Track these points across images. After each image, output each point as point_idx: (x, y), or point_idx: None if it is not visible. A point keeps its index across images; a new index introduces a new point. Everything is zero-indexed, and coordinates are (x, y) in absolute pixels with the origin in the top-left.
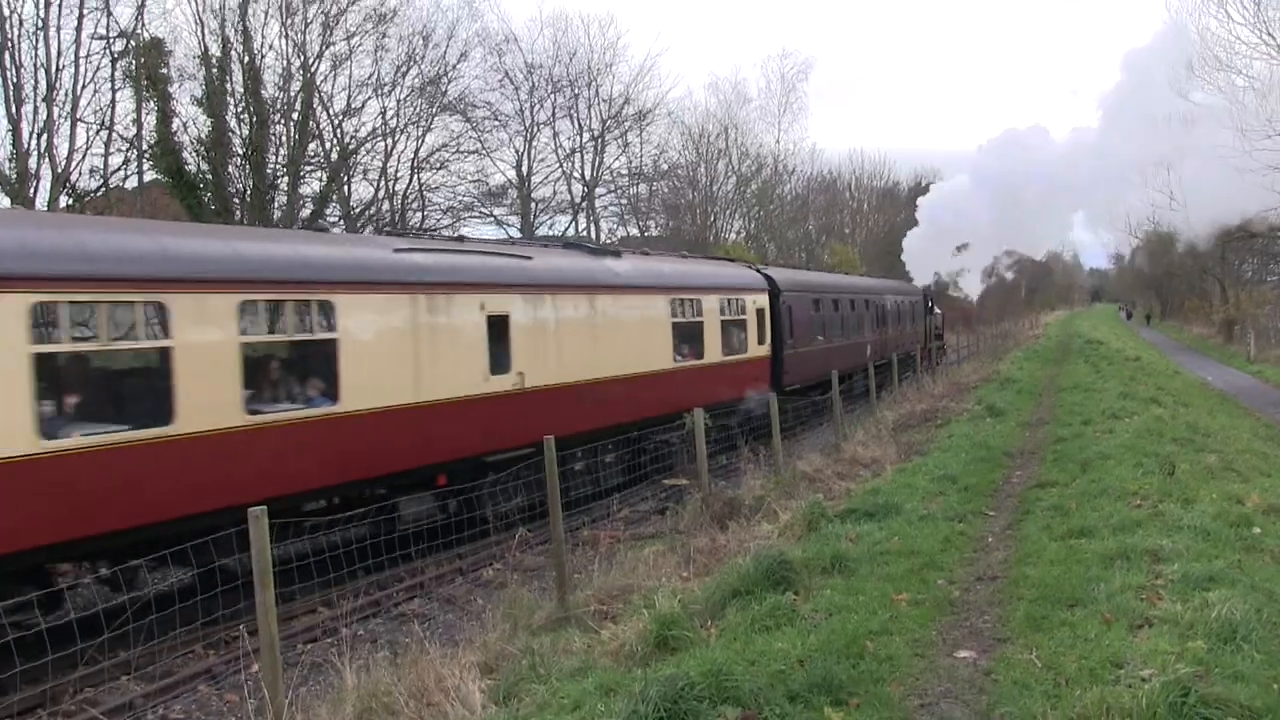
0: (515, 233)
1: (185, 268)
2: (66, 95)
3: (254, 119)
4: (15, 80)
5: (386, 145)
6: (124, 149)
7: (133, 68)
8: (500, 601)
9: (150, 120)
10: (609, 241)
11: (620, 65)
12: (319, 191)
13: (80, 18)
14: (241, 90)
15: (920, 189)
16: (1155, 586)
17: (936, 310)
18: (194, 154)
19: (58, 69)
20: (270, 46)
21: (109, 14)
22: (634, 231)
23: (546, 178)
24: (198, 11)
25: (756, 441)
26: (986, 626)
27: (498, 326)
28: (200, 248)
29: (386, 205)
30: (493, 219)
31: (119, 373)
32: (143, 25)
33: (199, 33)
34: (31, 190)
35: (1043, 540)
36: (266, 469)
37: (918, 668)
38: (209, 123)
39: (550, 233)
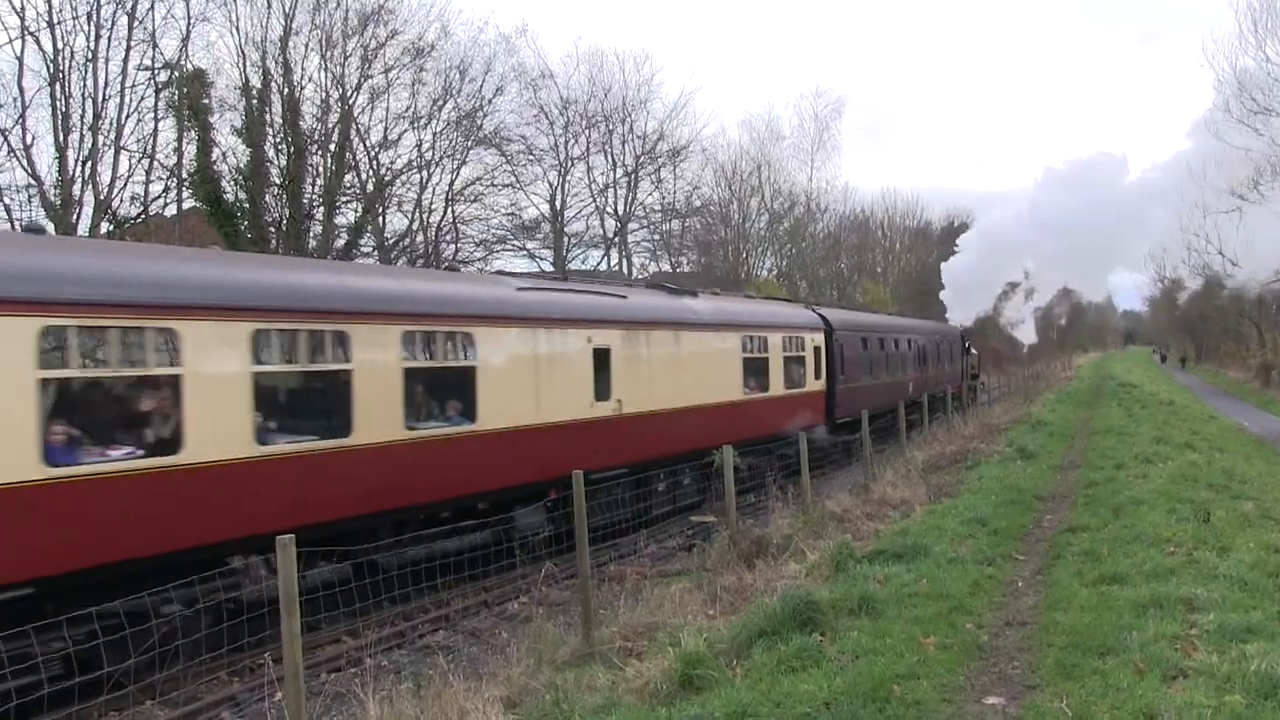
0: (548, 266)
1: (366, 304)
2: (111, 124)
3: (292, 149)
4: (64, 110)
5: (422, 177)
6: (164, 177)
7: (175, 98)
8: (525, 635)
9: (190, 149)
10: (641, 277)
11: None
12: (354, 222)
13: (128, 49)
14: (280, 121)
15: (953, 228)
16: (1190, 636)
17: (973, 351)
18: (232, 183)
19: (104, 99)
20: (309, 78)
21: (155, 46)
22: (665, 267)
23: (580, 212)
24: (240, 44)
25: (785, 480)
26: (1016, 673)
27: (601, 358)
28: (378, 285)
29: (421, 237)
30: (525, 252)
31: (311, 391)
32: (186, 57)
33: (240, 64)
34: (74, 216)
35: (1074, 586)
36: (420, 478)
37: (945, 713)
38: (248, 152)
39: (583, 267)
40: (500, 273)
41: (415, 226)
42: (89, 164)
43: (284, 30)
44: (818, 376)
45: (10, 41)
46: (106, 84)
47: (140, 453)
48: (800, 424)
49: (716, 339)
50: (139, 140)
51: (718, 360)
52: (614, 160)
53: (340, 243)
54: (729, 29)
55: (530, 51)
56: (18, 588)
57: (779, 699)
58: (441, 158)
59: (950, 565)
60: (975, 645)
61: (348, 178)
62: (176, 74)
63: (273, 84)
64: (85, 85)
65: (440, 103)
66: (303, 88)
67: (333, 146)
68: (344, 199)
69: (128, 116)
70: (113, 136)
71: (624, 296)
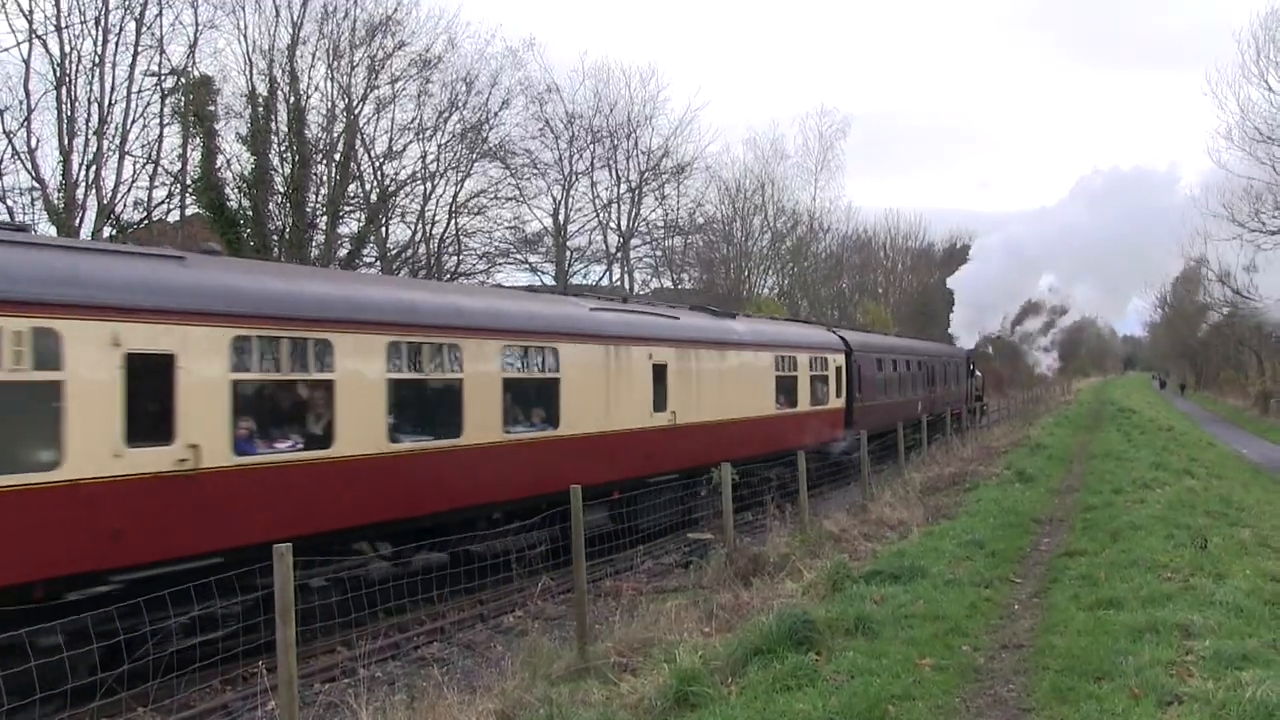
0: (550, 280)
1: (474, 321)
2: (116, 129)
3: (296, 158)
4: (70, 114)
5: (426, 189)
6: (168, 183)
7: (181, 104)
8: (520, 649)
9: (195, 156)
10: (643, 293)
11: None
12: (357, 232)
13: (135, 55)
14: (285, 130)
15: (955, 250)
16: (1186, 662)
17: (978, 373)
18: (236, 190)
19: (110, 104)
20: (316, 88)
21: (162, 52)
22: (667, 284)
23: (583, 227)
24: (247, 52)
25: (783, 499)
26: (1011, 696)
27: (659, 373)
28: (482, 305)
29: (423, 248)
30: (528, 266)
31: (429, 396)
32: (193, 63)
33: (247, 72)
34: (78, 220)
35: (1070, 610)
36: (515, 476)
37: None
38: (252, 160)
39: (585, 282)
40: (571, 293)
41: (418, 238)
42: (93, 168)
43: (291, 39)
44: (839, 394)
45: (17, 44)
46: (113, 89)
47: (300, 446)
48: (823, 439)
49: (754, 358)
50: (144, 145)
51: (755, 378)
52: (618, 175)
53: (343, 253)
54: (735, 47)
55: (537, 65)
56: (213, 555)
57: (773, 717)
58: (446, 170)
59: (947, 587)
60: (971, 667)
61: (352, 187)
62: (183, 80)
63: (279, 92)
64: (91, 90)
65: (446, 115)
66: (309, 97)
67: (337, 156)
68: (347, 209)
69: (133, 122)
70: (117, 141)
71: (676, 318)
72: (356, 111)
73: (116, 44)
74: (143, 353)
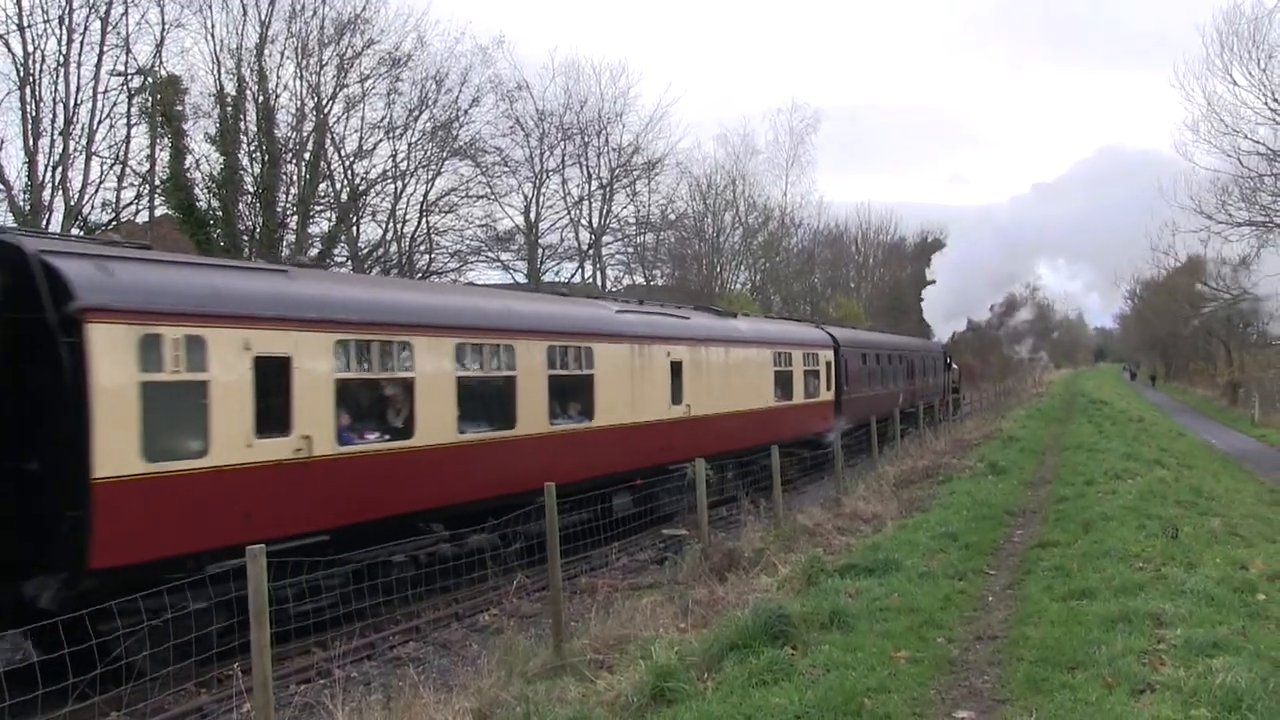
0: (521, 278)
1: (525, 323)
2: (83, 130)
3: (266, 158)
4: (34, 114)
5: (396, 187)
6: (136, 184)
7: (148, 104)
8: (496, 647)
9: (163, 156)
10: (615, 290)
11: (630, 115)
12: (328, 231)
13: (100, 55)
14: (254, 129)
15: (927, 244)
16: (1158, 651)
17: (954, 366)
18: (205, 190)
19: (76, 104)
20: (285, 87)
21: (128, 51)
22: (639, 280)
23: (554, 224)
24: (215, 51)
25: (757, 493)
26: (986, 687)
27: (675, 369)
28: (530, 308)
29: (395, 247)
30: (500, 264)
31: (488, 391)
32: (160, 63)
33: (215, 72)
34: (44, 222)
35: (1044, 601)
36: (558, 464)
37: None
38: (221, 160)
39: (557, 279)
40: (597, 296)
41: (389, 236)
42: (59, 169)
43: (259, 38)
44: (829, 388)
45: None
46: (78, 89)
47: (386, 437)
48: (815, 429)
49: (755, 354)
50: (111, 146)
51: (756, 373)
52: (589, 172)
53: (314, 252)
54: (706, 43)
55: (507, 63)
56: (323, 534)
57: (750, 712)
58: (416, 168)
59: (921, 579)
60: (946, 659)
61: (322, 187)
62: (150, 80)
63: (247, 92)
64: (56, 90)
65: (416, 113)
66: (278, 96)
67: (307, 155)
68: (318, 208)
69: (99, 122)
70: (84, 142)
71: (688, 318)
72: (326, 110)
73: (81, 43)
74: (267, 356)
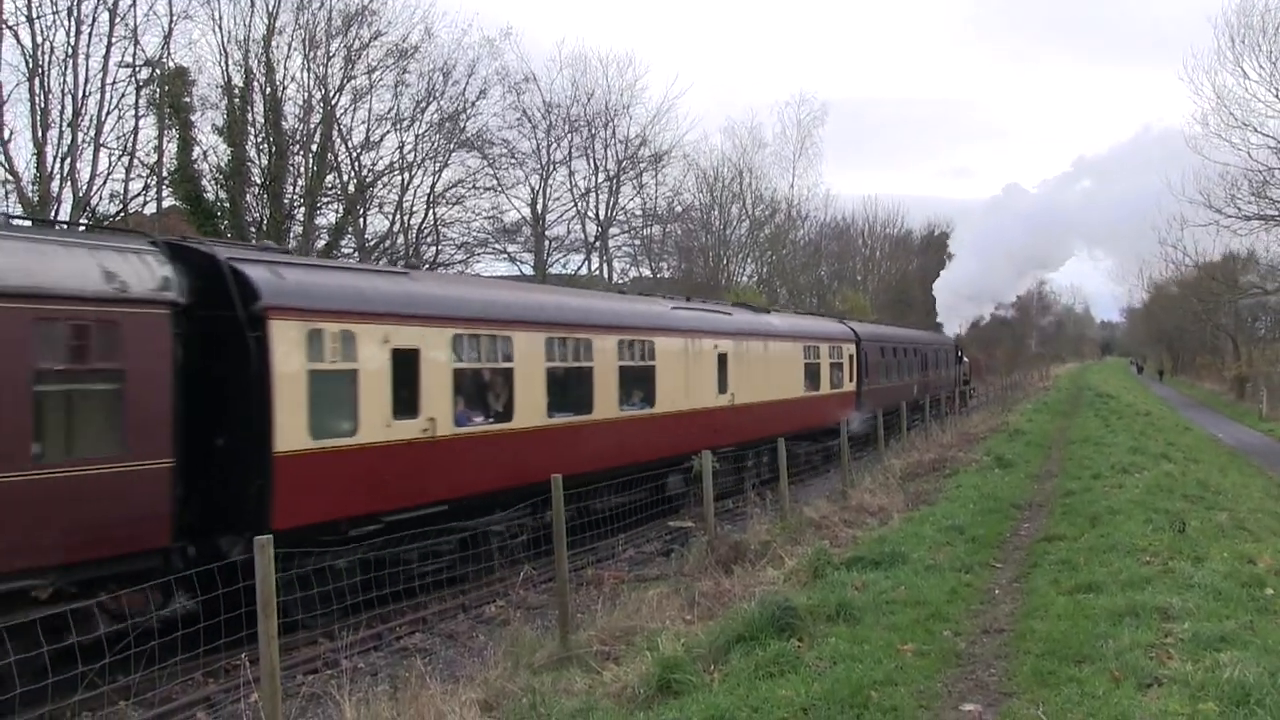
0: (528, 270)
1: (600, 319)
2: (91, 121)
3: (273, 149)
4: (43, 105)
5: (403, 179)
6: (144, 175)
7: (156, 96)
8: (502, 639)
9: (171, 147)
10: (621, 281)
11: (637, 107)
12: (335, 223)
13: (109, 46)
14: (262, 121)
15: (933, 237)
16: (1165, 645)
17: (965, 359)
18: (212, 182)
19: (84, 95)
20: (292, 78)
21: (136, 43)
22: (646, 272)
23: (561, 216)
24: (222, 43)
25: (763, 486)
26: (993, 680)
27: (721, 361)
28: (604, 305)
29: (401, 239)
30: (506, 256)
31: (569, 380)
32: (168, 54)
33: (223, 63)
34: (52, 213)
35: (1050, 594)
36: (627, 446)
37: None
38: (229, 152)
39: (564, 271)
40: (656, 295)
41: (396, 228)
42: (68, 160)
43: (267, 29)
44: (851, 379)
45: None
46: (87, 80)
47: (491, 420)
48: (838, 418)
49: (788, 348)
50: (119, 137)
51: (788, 365)
52: (596, 164)
53: (321, 243)
54: (713, 34)
55: (514, 55)
56: (442, 504)
57: (757, 704)
58: (423, 160)
59: (928, 572)
60: (953, 652)
61: (329, 178)
62: (158, 71)
63: (255, 83)
64: (65, 81)
65: (423, 105)
66: (285, 87)
67: (314, 147)
68: (325, 200)
69: (108, 113)
70: (92, 133)
71: (730, 314)
72: (333, 102)
73: (90, 35)
74: (402, 348)
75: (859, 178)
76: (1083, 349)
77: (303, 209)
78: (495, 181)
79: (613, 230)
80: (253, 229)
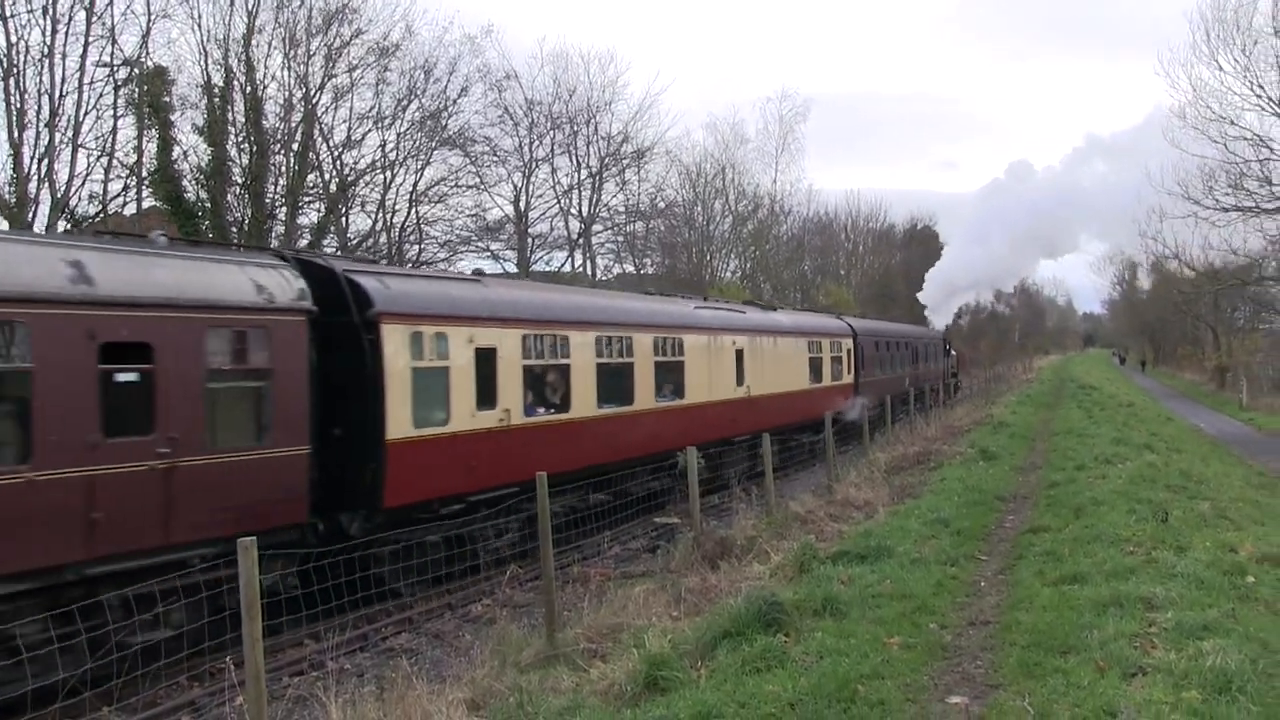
0: (511, 268)
1: (639, 318)
2: (69, 121)
3: (254, 149)
4: (19, 105)
5: (385, 178)
6: (124, 175)
7: (135, 95)
8: (489, 638)
9: (151, 148)
10: (605, 278)
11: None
12: (317, 222)
13: (85, 45)
14: (242, 120)
15: (916, 231)
16: (1149, 634)
17: (952, 352)
18: (193, 182)
19: (61, 95)
20: (272, 77)
21: (114, 42)
22: (629, 269)
23: (544, 213)
24: (202, 42)
25: (748, 481)
26: (979, 672)
27: (738, 356)
28: (640, 306)
29: (384, 237)
30: (489, 253)
31: (614, 374)
32: (147, 54)
33: (202, 62)
34: (30, 214)
35: (1035, 586)
36: (662, 434)
37: (909, 713)
38: (209, 151)
39: (547, 268)
40: (680, 296)
41: (379, 227)
42: (45, 162)
43: (247, 28)
44: (849, 372)
45: None
46: (64, 80)
47: (551, 411)
48: (838, 408)
49: (795, 343)
50: (98, 138)
51: (795, 359)
52: (578, 161)
53: (303, 243)
54: (695, 31)
55: (495, 52)
56: (515, 485)
57: (744, 699)
58: (405, 158)
59: (914, 566)
60: (939, 645)
61: (311, 177)
62: (136, 71)
63: (235, 82)
64: (41, 81)
65: (404, 103)
66: (265, 86)
67: (296, 146)
68: (307, 199)
69: (86, 113)
70: (70, 134)
71: (744, 312)
72: (314, 101)
73: (66, 34)
74: (483, 347)
75: (842, 173)
76: (1065, 341)
77: (284, 208)
78: (478, 179)
79: (596, 227)
80: (234, 229)
